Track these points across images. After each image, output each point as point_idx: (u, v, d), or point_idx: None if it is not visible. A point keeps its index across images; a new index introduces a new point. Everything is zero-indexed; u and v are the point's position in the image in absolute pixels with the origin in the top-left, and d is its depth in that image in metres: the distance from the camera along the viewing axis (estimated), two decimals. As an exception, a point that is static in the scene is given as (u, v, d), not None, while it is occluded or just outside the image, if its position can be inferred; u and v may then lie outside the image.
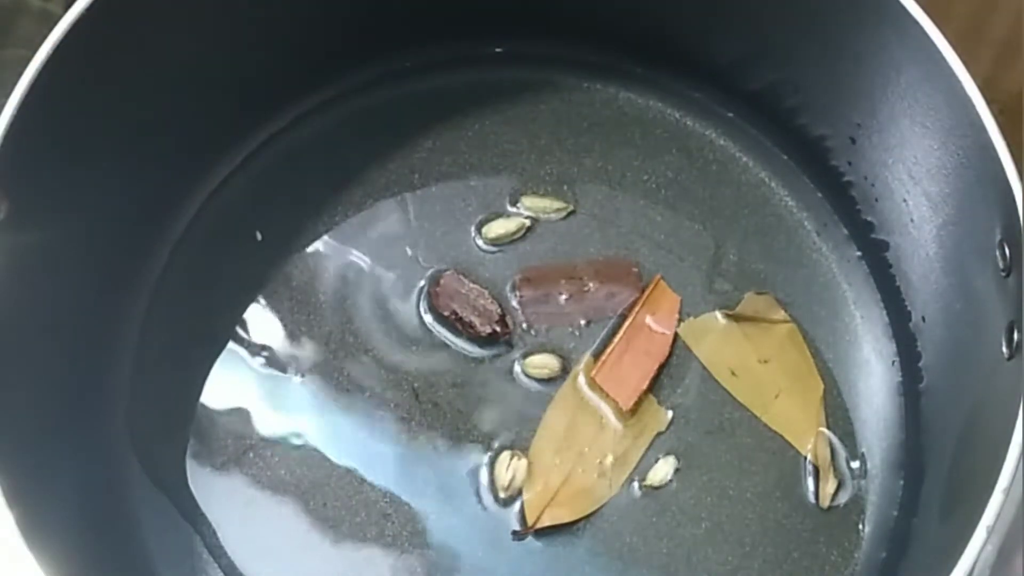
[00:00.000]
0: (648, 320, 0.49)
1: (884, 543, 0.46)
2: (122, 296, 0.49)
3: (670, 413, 0.48)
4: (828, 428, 0.48)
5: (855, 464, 0.47)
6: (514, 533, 0.46)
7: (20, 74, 0.40)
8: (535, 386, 0.48)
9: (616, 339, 0.48)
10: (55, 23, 0.40)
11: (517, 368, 0.48)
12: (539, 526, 0.46)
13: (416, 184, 0.52)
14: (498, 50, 0.54)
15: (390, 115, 0.53)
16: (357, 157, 0.52)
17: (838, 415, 0.48)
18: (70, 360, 0.46)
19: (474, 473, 0.47)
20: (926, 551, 0.43)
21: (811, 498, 0.47)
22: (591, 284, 0.50)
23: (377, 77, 0.54)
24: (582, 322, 0.49)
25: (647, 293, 0.49)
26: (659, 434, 0.47)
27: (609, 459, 0.47)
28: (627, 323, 0.49)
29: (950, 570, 0.35)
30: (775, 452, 0.47)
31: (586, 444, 0.47)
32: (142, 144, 0.47)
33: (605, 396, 0.47)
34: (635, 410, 0.47)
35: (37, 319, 0.43)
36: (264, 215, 0.51)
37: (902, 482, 0.47)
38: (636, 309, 0.49)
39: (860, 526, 0.47)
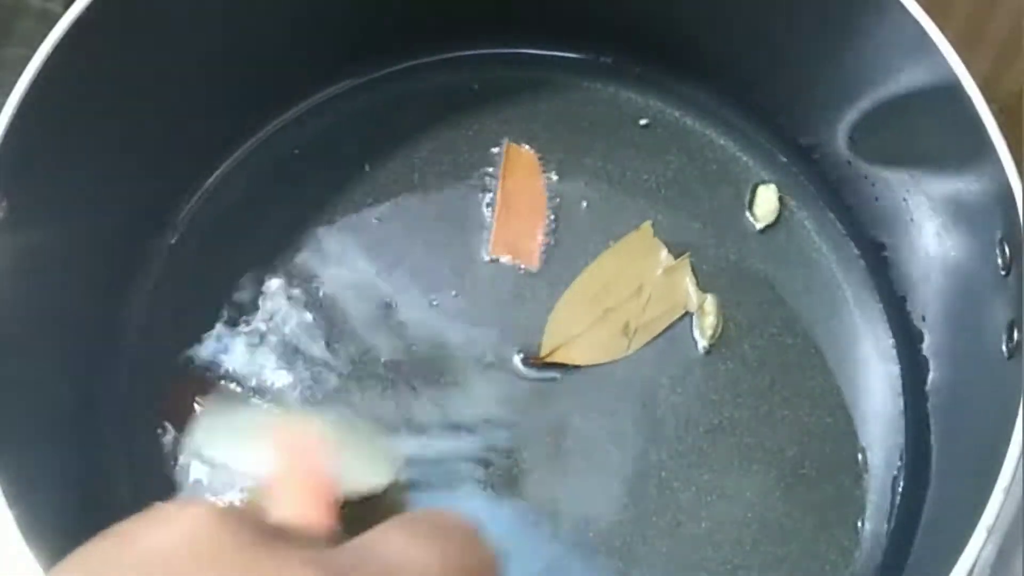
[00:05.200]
0: (515, 182, 0.51)
1: (883, 543, 0.46)
2: (121, 296, 0.49)
3: (709, 296, 0.49)
4: (827, 427, 0.48)
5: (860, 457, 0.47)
6: (524, 360, 0.48)
7: (20, 73, 0.40)
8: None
9: (496, 209, 0.50)
10: (55, 22, 0.40)
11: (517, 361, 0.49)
12: (548, 360, 0.48)
13: (416, 184, 0.52)
14: (498, 50, 0.54)
15: (390, 115, 0.53)
16: (357, 157, 0.52)
17: (838, 414, 0.48)
18: (70, 360, 0.46)
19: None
20: (926, 551, 0.43)
21: (699, 348, 0.48)
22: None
23: (377, 77, 0.54)
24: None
25: (504, 162, 0.51)
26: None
27: (634, 323, 0.48)
28: (498, 192, 0.51)
29: (950, 570, 0.35)
30: (775, 452, 0.48)
31: (615, 303, 0.48)
32: (142, 143, 0.47)
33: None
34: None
35: (36, 319, 0.43)
36: (264, 215, 0.51)
37: (902, 482, 0.47)
38: (501, 178, 0.51)
39: (860, 526, 0.47)
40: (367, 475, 0.42)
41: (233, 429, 0.43)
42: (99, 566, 0.22)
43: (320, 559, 0.21)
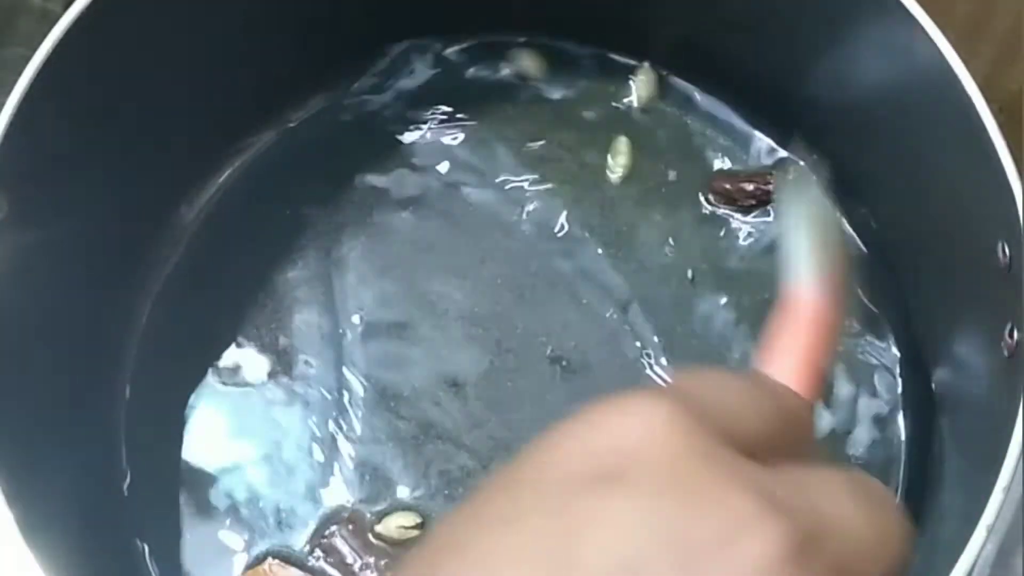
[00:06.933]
0: None
1: (884, 543, 0.46)
2: (122, 296, 0.49)
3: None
4: (826, 427, 0.48)
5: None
6: None
7: (20, 73, 0.40)
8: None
9: None
10: (55, 22, 0.40)
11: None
12: None
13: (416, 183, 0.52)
14: (498, 50, 0.54)
15: (390, 115, 0.53)
16: (357, 157, 0.52)
17: (838, 415, 0.48)
18: (70, 360, 0.46)
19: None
20: (927, 551, 0.43)
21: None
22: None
23: (378, 78, 0.54)
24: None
25: None
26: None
27: None
28: None
29: (950, 570, 0.35)
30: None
31: None
32: (142, 143, 0.47)
33: None
34: None
35: (36, 318, 0.43)
36: (264, 215, 0.51)
37: (902, 482, 0.47)
38: None
39: (860, 526, 0.47)
40: None
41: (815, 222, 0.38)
42: (561, 446, 0.22)
43: (760, 482, 0.20)
